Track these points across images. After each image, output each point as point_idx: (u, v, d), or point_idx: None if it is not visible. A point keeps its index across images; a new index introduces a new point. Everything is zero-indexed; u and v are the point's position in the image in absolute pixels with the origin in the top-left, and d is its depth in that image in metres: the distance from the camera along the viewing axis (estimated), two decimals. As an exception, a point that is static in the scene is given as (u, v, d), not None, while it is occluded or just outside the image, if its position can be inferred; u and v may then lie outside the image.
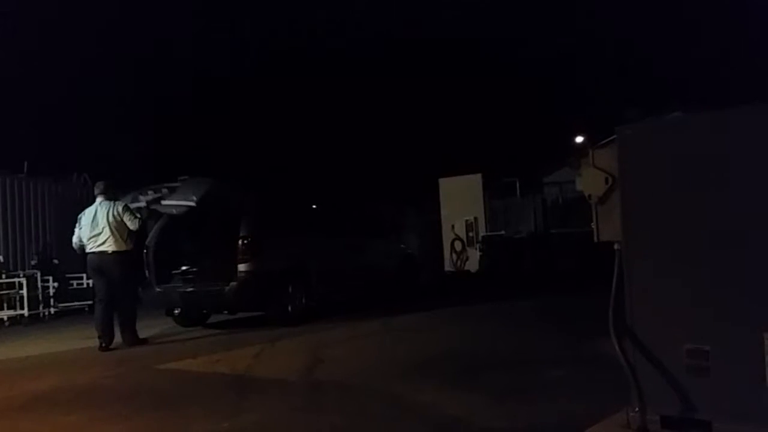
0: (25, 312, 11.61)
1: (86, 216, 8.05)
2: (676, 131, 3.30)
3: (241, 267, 8.66)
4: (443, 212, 19.68)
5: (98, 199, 8.10)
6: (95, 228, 7.91)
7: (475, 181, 19.23)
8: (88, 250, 8.02)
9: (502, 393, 4.68)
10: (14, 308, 11.72)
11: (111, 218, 7.86)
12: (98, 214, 7.95)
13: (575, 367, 5.36)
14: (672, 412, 3.16)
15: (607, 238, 3.42)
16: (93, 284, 8.73)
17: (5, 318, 11.51)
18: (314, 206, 11.17)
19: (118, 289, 7.93)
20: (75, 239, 8.18)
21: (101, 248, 7.88)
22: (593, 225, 3.48)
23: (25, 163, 13.45)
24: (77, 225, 8.15)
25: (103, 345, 7.76)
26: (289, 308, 9.18)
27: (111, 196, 8.16)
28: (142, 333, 8.23)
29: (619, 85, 25.27)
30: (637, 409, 3.23)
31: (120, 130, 21.58)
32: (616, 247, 3.37)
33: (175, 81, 24.65)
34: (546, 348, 6.43)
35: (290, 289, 9.19)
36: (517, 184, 20.65)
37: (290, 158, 25.05)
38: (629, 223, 3.31)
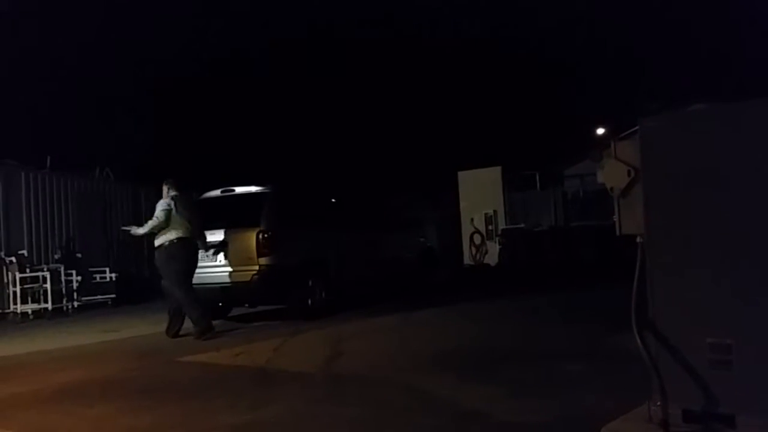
0: (49, 305, 11.79)
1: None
2: (699, 122, 3.26)
3: (262, 261, 8.72)
4: (462, 205, 19.62)
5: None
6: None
7: (494, 173, 19.15)
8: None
9: (521, 387, 4.67)
10: (38, 302, 11.90)
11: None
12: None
13: (596, 361, 5.33)
14: (694, 406, 3.14)
15: (629, 231, 3.39)
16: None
17: (29, 311, 11.69)
18: (333, 200, 11.20)
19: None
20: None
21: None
22: (615, 218, 3.45)
23: (48, 159, 13.62)
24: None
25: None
26: (309, 302, 9.23)
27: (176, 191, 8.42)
28: (164, 326, 8.31)
29: (641, 77, 24.99)
30: (658, 402, 3.21)
31: (141, 127, 21.78)
32: (638, 240, 3.34)
33: (194, 76, 24.79)
34: (566, 342, 6.40)
35: (310, 283, 9.25)
36: (537, 177, 20.53)
37: (309, 152, 25.11)
38: (652, 215, 3.28)
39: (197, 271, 8.43)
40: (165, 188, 8.41)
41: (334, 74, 27.79)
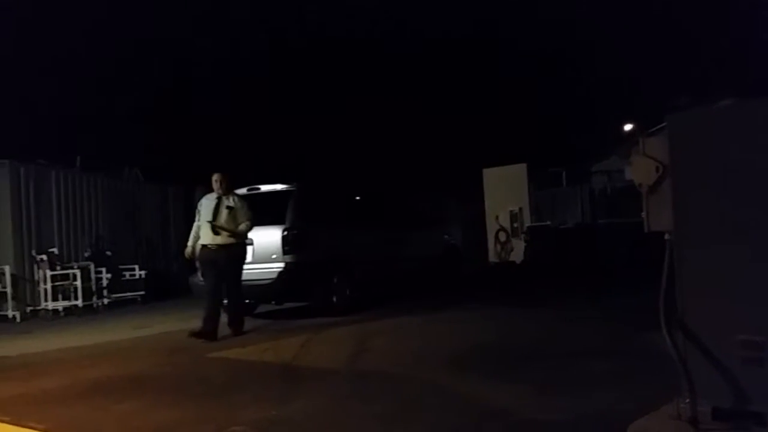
0: (80, 302, 11.99)
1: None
2: (729, 118, 3.22)
3: (287, 258, 8.78)
4: (487, 202, 19.53)
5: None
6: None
7: (519, 170, 19.01)
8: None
9: (547, 385, 4.64)
10: (69, 299, 12.11)
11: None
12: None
13: (624, 358, 5.28)
14: (724, 403, 3.10)
15: (657, 228, 3.36)
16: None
17: (60, 308, 11.90)
18: (358, 198, 11.22)
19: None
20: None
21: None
22: (643, 215, 3.42)
23: (78, 158, 13.83)
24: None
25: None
26: (334, 299, 9.27)
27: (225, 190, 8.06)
28: (191, 323, 8.39)
29: (669, 72, 24.63)
30: (687, 400, 3.18)
31: (168, 127, 22.01)
32: (666, 237, 3.31)
33: (220, 76, 25.00)
34: (594, 339, 6.34)
35: (334, 280, 9.28)
36: (564, 174, 20.37)
37: (334, 150, 25.18)
38: (680, 212, 3.24)
39: None
40: (223, 183, 7.92)
41: (358, 72, 27.82)
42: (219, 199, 7.88)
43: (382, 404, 4.41)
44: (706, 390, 3.14)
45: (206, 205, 7.94)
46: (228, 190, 8.00)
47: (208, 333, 7.54)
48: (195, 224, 8.07)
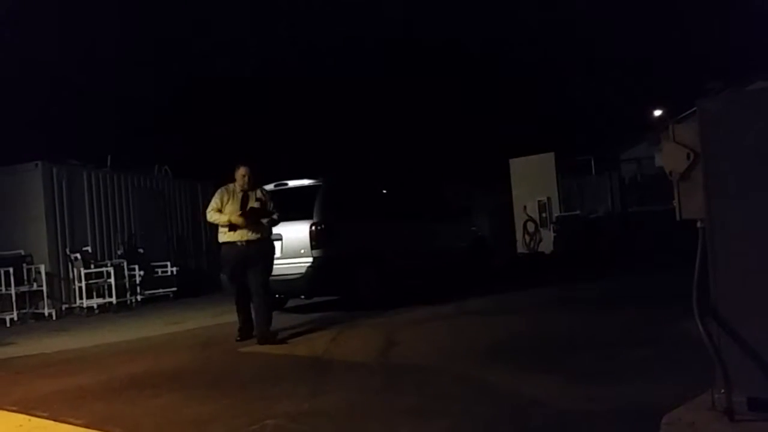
0: (114, 300, 12.20)
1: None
2: (761, 102, 3.15)
3: (315, 253, 8.82)
4: (515, 193, 19.39)
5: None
6: None
7: (547, 160, 18.84)
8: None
9: (580, 375, 4.61)
10: (103, 296, 12.34)
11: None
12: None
13: (657, 348, 5.22)
14: (760, 393, 3.05)
15: (689, 216, 3.31)
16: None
17: (95, 306, 12.12)
18: (385, 191, 11.22)
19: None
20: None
21: None
22: (675, 202, 3.37)
23: (109, 157, 14.04)
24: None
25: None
26: (363, 293, 9.30)
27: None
28: (223, 318, 8.48)
29: (700, 56, 24.14)
30: (722, 390, 3.13)
31: (195, 125, 22.23)
32: (699, 224, 3.26)
33: (244, 73, 25.13)
34: (626, 330, 6.28)
35: (363, 274, 9.31)
36: (593, 162, 20.11)
37: (360, 144, 25.20)
38: (713, 199, 3.19)
39: None
40: (251, 178, 7.39)
41: (382, 64, 27.77)
42: (245, 192, 7.35)
43: (414, 397, 4.42)
44: (741, 380, 3.09)
45: (229, 198, 7.33)
46: (255, 184, 7.50)
47: (249, 333, 7.36)
48: (210, 211, 7.35)
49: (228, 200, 7.32)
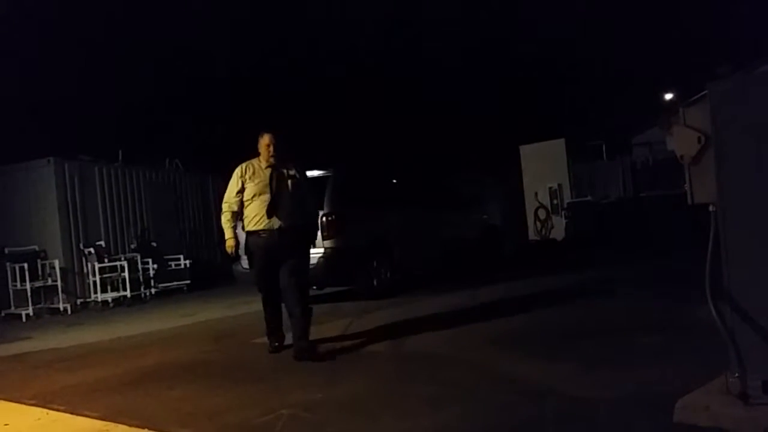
0: (128, 293, 12.29)
1: None
2: (773, 84, 3.12)
3: (326, 243, 8.83)
4: (525, 180, 19.33)
5: None
6: None
7: (557, 146, 18.76)
8: None
9: (593, 362, 4.60)
10: (117, 290, 12.42)
11: None
12: None
13: (670, 333, 5.20)
14: (775, 377, 3.03)
15: (701, 200, 3.28)
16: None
17: (109, 299, 12.21)
18: (395, 180, 11.22)
19: None
20: None
21: None
22: (686, 186, 3.34)
23: (120, 152, 14.10)
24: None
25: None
26: (375, 282, 9.33)
27: None
28: (236, 310, 8.48)
29: (710, 39, 23.87)
30: (736, 374, 3.12)
31: (206, 117, 22.28)
32: (711, 209, 3.23)
33: (252, 64, 25.13)
34: (639, 315, 6.26)
35: (375, 264, 9.34)
36: (603, 147, 19.98)
37: (370, 133, 25.16)
38: (725, 183, 3.16)
39: None
40: (276, 148, 5.92)
41: (393, 55, 27.67)
42: (274, 168, 5.86)
43: (427, 385, 4.44)
44: (756, 363, 3.07)
45: (252, 176, 5.87)
46: (286, 159, 5.98)
47: (281, 343, 6.07)
48: (228, 204, 5.97)
49: (251, 179, 5.84)
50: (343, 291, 10.02)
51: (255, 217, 5.79)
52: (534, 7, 28.12)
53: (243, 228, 5.94)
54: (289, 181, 5.85)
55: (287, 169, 5.90)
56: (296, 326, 5.67)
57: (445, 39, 27.16)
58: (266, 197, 5.76)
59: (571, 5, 27.03)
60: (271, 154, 5.85)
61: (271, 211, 5.72)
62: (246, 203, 5.87)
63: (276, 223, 5.73)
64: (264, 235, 5.76)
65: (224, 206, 6.00)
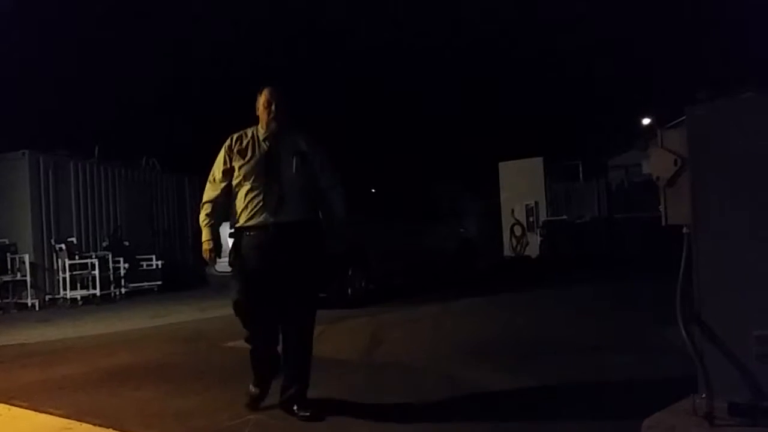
0: (97, 292, 12.13)
1: None
2: (749, 111, 3.19)
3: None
4: (503, 196, 19.49)
5: None
6: None
7: (536, 164, 18.95)
8: None
9: (562, 378, 4.64)
10: (87, 288, 12.26)
11: None
12: None
13: (639, 353, 5.26)
14: (741, 399, 3.08)
15: (675, 221, 3.34)
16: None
17: (79, 297, 12.04)
18: (373, 190, 11.24)
19: None
20: None
21: None
22: (661, 208, 3.39)
23: (96, 148, 13.95)
24: None
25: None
26: (349, 291, 9.30)
27: None
28: (207, 313, 8.42)
29: (689, 65, 24.34)
30: (703, 395, 3.16)
31: (184, 118, 22.17)
32: (684, 230, 3.28)
33: (233, 66, 25.08)
34: (608, 334, 6.33)
35: (350, 272, 9.31)
36: (581, 167, 20.22)
37: (349, 143, 25.20)
38: (699, 206, 3.22)
39: None
40: (279, 107, 4.08)
41: (374, 65, 27.79)
42: (275, 138, 4.08)
43: (398, 395, 4.43)
44: (722, 385, 3.12)
45: (245, 150, 4.09)
46: (292, 126, 4.17)
47: (263, 394, 4.23)
48: (209, 192, 4.18)
49: (241, 154, 4.07)
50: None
51: (246, 209, 4.02)
52: (516, 28, 28.46)
53: (232, 225, 4.16)
54: (296, 159, 4.03)
55: (295, 142, 4.10)
56: (296, 369, 4.10)
57: (427, 54, 27.36)
58: (262, 180, 3.99)
59: (554, 28, 27.42)
60: (272, 116, 4.05)
61: (269, 201, 3.97)
62: (235, 189, 4.08)
63: (283, 215, 3.98)
64: (256, 234, 4.00)
65: (204, 195, 4.22)
